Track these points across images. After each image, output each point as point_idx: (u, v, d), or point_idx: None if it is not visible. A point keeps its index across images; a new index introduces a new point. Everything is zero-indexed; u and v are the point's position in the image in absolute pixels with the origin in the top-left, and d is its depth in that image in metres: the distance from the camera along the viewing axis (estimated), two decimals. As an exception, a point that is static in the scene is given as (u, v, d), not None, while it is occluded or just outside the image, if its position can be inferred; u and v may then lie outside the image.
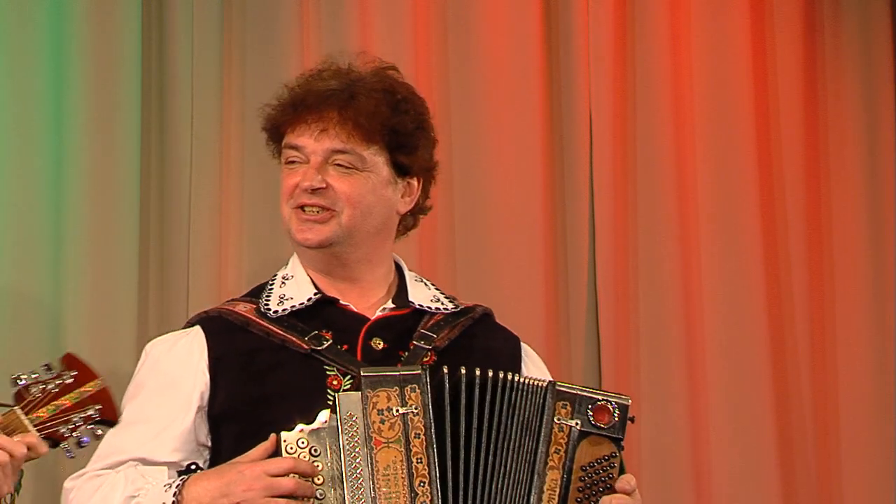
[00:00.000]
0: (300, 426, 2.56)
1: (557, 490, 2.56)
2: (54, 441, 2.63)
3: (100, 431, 2.68)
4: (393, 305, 2.82)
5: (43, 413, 2.62)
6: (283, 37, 4.03)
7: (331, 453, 2.55)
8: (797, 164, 4.35)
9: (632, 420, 2.63)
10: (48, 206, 3.78)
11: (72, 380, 2.66)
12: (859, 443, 4.30)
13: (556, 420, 2.59)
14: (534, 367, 2.89)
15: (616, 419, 2.61)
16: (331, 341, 2.73)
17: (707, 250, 4.23)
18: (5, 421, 2.58)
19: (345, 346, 2.73)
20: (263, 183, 3.95)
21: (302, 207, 2.77)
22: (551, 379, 2.67)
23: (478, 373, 2.60)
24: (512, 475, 2.58)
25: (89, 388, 2.67)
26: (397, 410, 2.54)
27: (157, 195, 3.93)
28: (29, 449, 2.56)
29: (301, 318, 2.77)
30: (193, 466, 2.71)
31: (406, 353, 2.74)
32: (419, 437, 2.53)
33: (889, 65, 4.46)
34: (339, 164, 2.77)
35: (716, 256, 4.23)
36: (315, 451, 2.55)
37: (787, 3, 4.40)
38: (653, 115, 4.25)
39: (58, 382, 2.65)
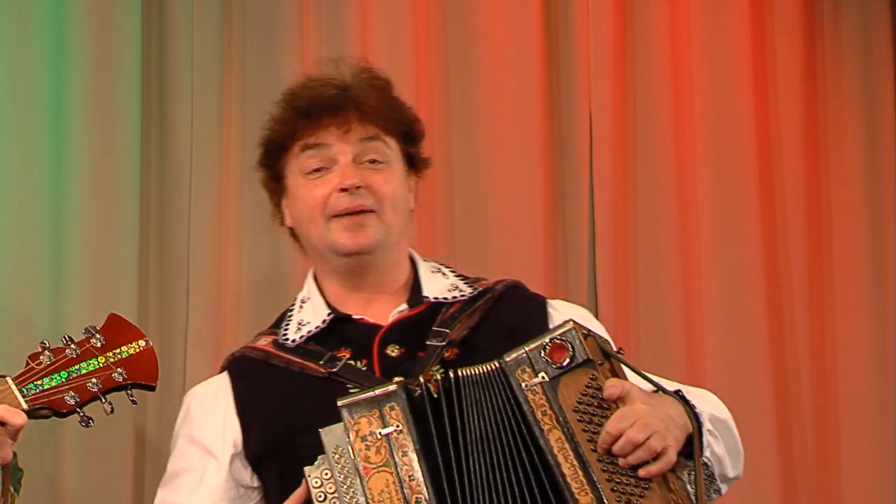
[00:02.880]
0: (321, 457, 2.51)
1: (567, 445, 2.49)
2: (57, 411, 2.52)
3: (133, 397, 2.55)
4: (406, 307, 2.78)
5: (44, 382, 2.51)
6: (283, 37, 4.03)
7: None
8: (797, 164, 4.35)
9: (586, 335, 2.56)
10: (48, 206, 3.78)
11: (100, 342, 2.54)
12: (859, 443, 4.30)
13: (524, 387, 2.53)
14: (563, 317, 2.79)
15: (572, 348, 2.55)
16: (345, 359, 2.69)
17: (707, 250, 4.22)
18: None
19: (363, 361, 2.70)
20: (263, 183, 3.95)
21: (344, 214, 2.71)
22: (501, 357, 2.58)
23: (439, 378, 2.54)
24: (508, 463, 2.51)
25: (124, 350, 2.54)
26: (380, 433, 2.49)
27: (157, 195, 3.93)
28: (2, 422, 2.44)
29: (319, 340, 2.74)
30: None
31: (423, 354, 2.70)
32: (407, 455, 2.48)
33: (889, 65, 4.45)
34: (370, 161, 2.73)
35: (716, 256, 4.23)
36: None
37: (787, 3, 4.40)
38: (653, 115, 4.25)
39: (74, 348, 2.53)
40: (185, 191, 3.93)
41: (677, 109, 4.25)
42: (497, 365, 2.55)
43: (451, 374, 2.54)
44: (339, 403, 2.51)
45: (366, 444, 2.48)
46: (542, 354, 2.54)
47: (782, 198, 4.33)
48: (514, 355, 2.55)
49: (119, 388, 2.54)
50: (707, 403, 2.71)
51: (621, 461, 2.49)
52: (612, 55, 4.22)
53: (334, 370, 2.67)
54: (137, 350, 2.55)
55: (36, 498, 3.58)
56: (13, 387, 2.52)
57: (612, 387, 2.54)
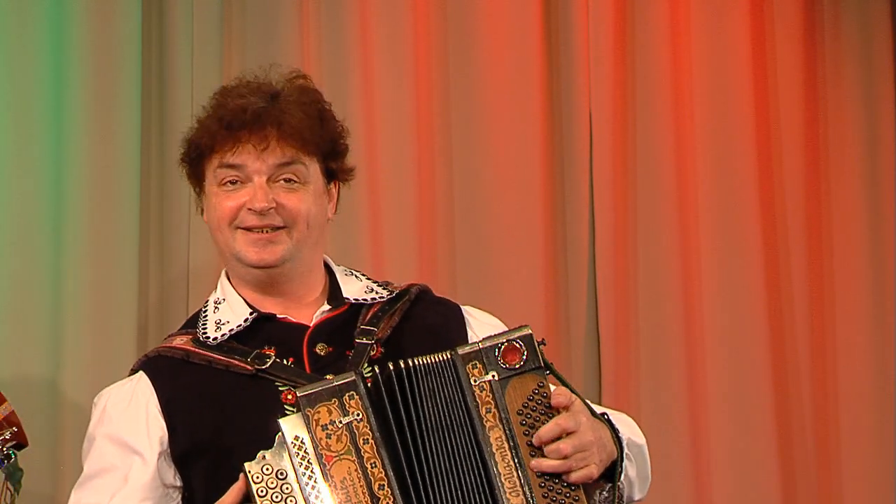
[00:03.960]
0: (261, 453, 2.51)
1: (506, 444, 2.54)
2: None
3: (13, 454, 2.67)
4: (329, 307, 2.79)
5: None
6: (283, 36, 4.03)
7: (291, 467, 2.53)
8: (797, 164, 4.35)
9: (542, 343, 2.61)
10: (48, 206, 3.78)
11: None
12: (859, 443, 4.30)
13: (473, 382, 2.56)
14: (482, 325, 2.85)
15: (526, 353, 2.58)
16: (274, 357, 2.69)
17: (707, 250, 4.23)
18: None
19: (290, 360, 2.70)
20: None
21: (249, 228, 2.72)
22: (454, 349, 2.60)
23: (391, 367, 2.56)
24: (458, 453, 2.54)
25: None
26: (340, 421, 2.51)
27: (157, 195, 3.93)
28: None
29: (241, 339, 2.73)
30: None
31: (352, 353, 2.71)
32: (368, 442, 2.51)
33: (889, 64, 4.45)
34: (285, 180, 2.74)
35: (716, 256, 4.23)
36: (281, 474, 2.51)
37: (787, 3, 4.40)
38: (653, 115, 4.25)
39: None
40: (185, 191, 3.91)
41: (677, 109, 4.25)
42: (448, 356, 2.58)
43: (404, 363, 2.57)
44: (298, 394, 2.53)
45: (326, 433, 2.50)
46: (496, 353, 2.58)
47: (782, 198, 4.33)
48: (467, 350, 2.59)
49: (10, 447, 2.68)
50: (627, 428, 2.78)
51: (548, 457, 2.55)
52: (612, 55, 4.22)
53: (262, 367, 2.68)
54: (6, 413, 2.69)
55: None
56: None
57: (559, 395, 2.60)
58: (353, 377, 2.54)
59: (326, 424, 2.51)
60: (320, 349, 2.73)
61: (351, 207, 4.03)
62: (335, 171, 2.81)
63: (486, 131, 4.14)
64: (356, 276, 2.88)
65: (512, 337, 2.60)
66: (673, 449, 4.14)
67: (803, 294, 4.31)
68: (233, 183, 2.73)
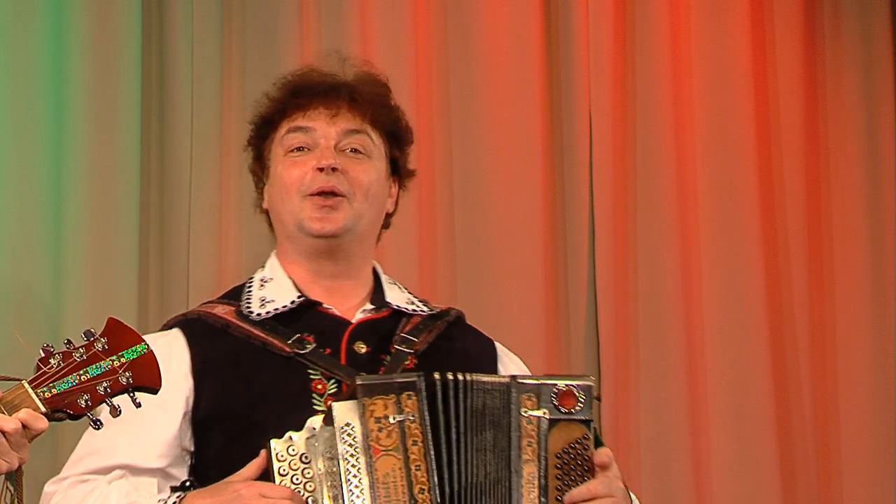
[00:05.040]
0: (289, 434, 2.54)
1: (536, 482, 2.56)
2: (71, 414, 2.55)
3: (138, 400, 2.57)
4: (372, 307, 2.81)
5: (58, 384, 2.55)
6: (283, 37, 4.03)
7: (323, 460, 2.53)
8: (797, 164, 4.35)
9: (598, 399, 2.64)
10: (48, 205, 3.78)
11: (104, 347, 2.58)
12: (859, 443, 4.30)
13: (522, 413, 2.58)
14: (512, 365, 2.89)
15: (582, 402, 2.60)
16: (314, 345, 2.70)
17: (707, 250, 4.23)
18: (10, 395, 2.53)
19: (327, 350, 2.72)
20: (263, 182, 3.95)
21: (318, 194, 2.73)
22: (513, 374, 2.66)
23: (451, 377, 2.58)
24: (492, 475, 2.56)
25: (127, 353, 2.58)
26: (394, 418, 2.53)
27: (157, 194, 3.93)
28: (25, 425, 2.48)
29: (283, 321, 2.75)
30: (188, 483, 2.68)
31: (388, 357, 2.74)
32: (416, 445, 2.53)
33: (889, 64, 4.45)
34: (351, 150, 2.75)
35: (716, 256, 4.23)
36: (305, 458, 2.53)
37: (787, 4, 4.40)
38: (653, 115, 4.25)
39: (82, 352, 2.56)
40: (185, 190, 3.93)
41: (677, 109, 4.25)
42: (507, 381, 2.61)
43: (462, 375, 2.58)
44: (358, 382, 2.55)
45: (379, 426, 2.52)
46: (553, 393, 2.60)
47: (782, 198, 4.33)
48: (526, 381, 2.62)
49: (124, 392, 2.58)
50: None
51: None
52: (612, 55, 4.22)
53: (302, 352, 2.68)
54: (139, 354, 2.59)
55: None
56: (30, 391, 2.55)
57: (604, 455, 2.63)
58: (416, 378, 2.56)
59: (380, 418, 2.53)
60: (358, 347, 2.75)
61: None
62: (398, 161, 2.82)
63: (486, 131, 4.14)
64: (399, 286, 2.91)
65: (573, 382, 2.62)
66: (673, 449, 4.13)
67: (803, 294, 4.31)
68: (299, 150, 2.75)
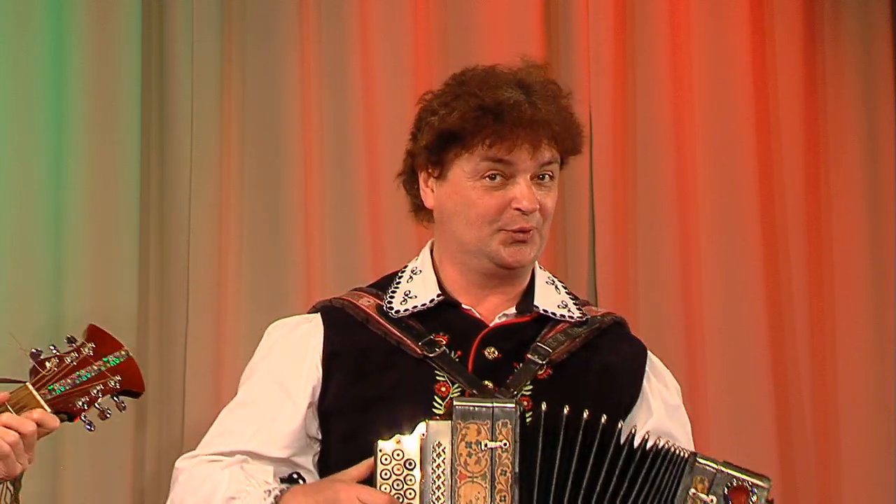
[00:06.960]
0: (397, 436, 2.51)
1: None
2: (69, 415, 2.62)
3: (124, 403, 2.66)
4: (514, 311, 2.74)
5: (57, 387, 2.61)
6: (282, 37, 4.03)
7: (422, 471, 2.50)
8: (797, 164, 4.35)
9: (770, 503, 2.55)
10: (48, 206, 3.79)
11: (91, 352, 2.64)
12: (859, 443, 4.30)
13: (691, 493, 2.52)
14: (656, 383, 2.80)
15: (754, 502, 2.53)
16: (444, 347, 2.67)
17: (707, 250, 4.23)
18: (16, 397, 2.57)
19: (458, 353, 2.68)
20: (263, 182, 3.95)
21: (514, 230, 2.67)
22: (693, 450, 2.59)
23: (605, 421, 2.53)
24: None
25: (112, 359, 2.65)
26: (486, 444, 2.48)
27: (157, 195, 3.93)
28: (39, 425, 2.54)
29: (421, 318, 2.71)
30: (296, 476, 2.67)
31: (520, 365, 2.67)
32: (505, 475, 2.47)
33: (889, 65, 4.45)
34: (545, 177, 2.69)
35: (716, 256, 4.23)
36: (410, 464, 2.50)
37: (787, 4, 4.40)
38: (653, 115, 4.25)
39: (74, 355, 2.63)
40: (185, 190, 3.93)
41: (677, 109, 4.26)
42: (687, 455, 2.56)
43: (606, 421, 2.54)
44: (455, 404, 2.52)
45: (469, 451, 2.48)
46: (727, 485, 2.53)
47: (782, 198, 4.33)
48: (708, 463, 2.55)
49: (113, 395, 2.65)
50: None
51: None
52: (612, 55, 4.22)
53: (430, 355, 2.67)
54: (123, 359, 2.66)
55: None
56: (35, 392, 2.60)
57: None
58: (514, 406, 2.50)
59: (472, 443, 2.48)
60: (489, 352, 2.68)
61: (351, 206, 4.03)
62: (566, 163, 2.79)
63: (486, 131, 4.13)
64: (557, 286, 2.82)
65: (753, 481, 2.54)
66: (673, 448, 4.13)
67: (803, 293, 4.31)
68: (492, 178, 2.68)
